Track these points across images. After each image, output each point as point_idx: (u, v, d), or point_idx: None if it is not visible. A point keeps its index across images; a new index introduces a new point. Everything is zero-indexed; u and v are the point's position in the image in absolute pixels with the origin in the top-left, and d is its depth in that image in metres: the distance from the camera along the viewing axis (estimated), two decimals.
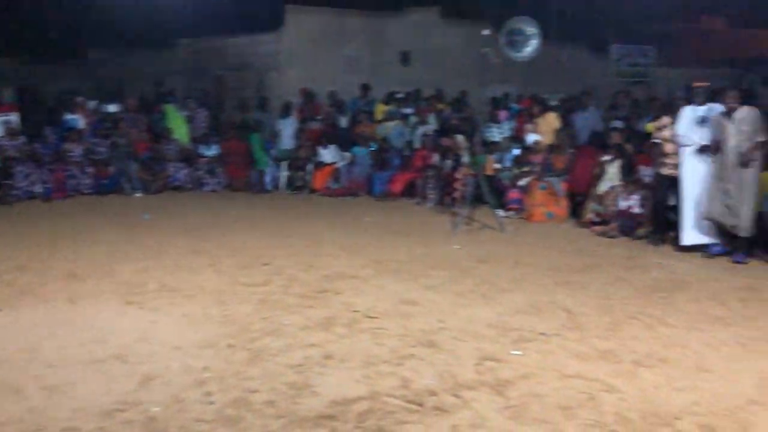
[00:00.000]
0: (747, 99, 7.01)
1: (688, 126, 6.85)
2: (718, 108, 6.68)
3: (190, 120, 11.96)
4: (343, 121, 12.09)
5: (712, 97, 6.93)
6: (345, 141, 11.50)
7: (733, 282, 5.93)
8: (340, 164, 11.21)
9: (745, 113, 6.46)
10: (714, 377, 3.85)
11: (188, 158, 11.40)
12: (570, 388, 3.67)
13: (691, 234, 6.88)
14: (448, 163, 9.78)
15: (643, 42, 18.64)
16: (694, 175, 6.83)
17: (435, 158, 10.27)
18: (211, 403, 3.52)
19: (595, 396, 3.58)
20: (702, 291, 5.64)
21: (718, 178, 6.56)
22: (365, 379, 3.79)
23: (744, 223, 6.44)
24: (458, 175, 9.29)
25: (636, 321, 4.84)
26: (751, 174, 6.44)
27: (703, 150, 6.69)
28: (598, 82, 15.91)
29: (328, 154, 11.39)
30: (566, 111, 10.69)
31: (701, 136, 6.72)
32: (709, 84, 7.00)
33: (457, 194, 9.17)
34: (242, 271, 6.12)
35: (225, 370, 3.91)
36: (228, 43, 14.99)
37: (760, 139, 6.36)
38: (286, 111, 12.00)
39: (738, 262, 6.51)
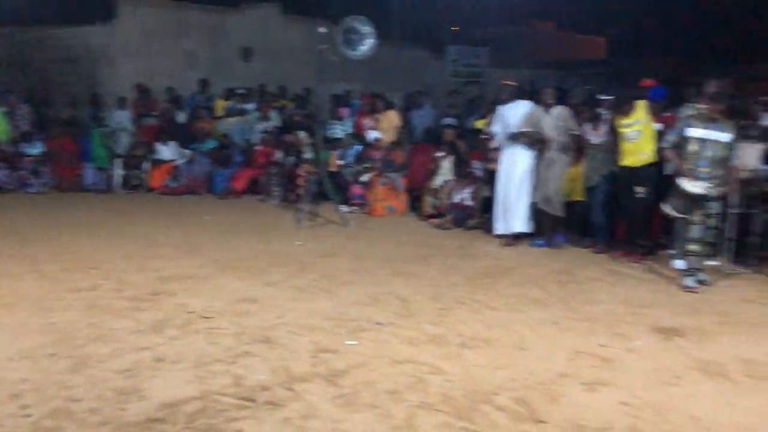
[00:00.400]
0: (561, 98, 7.65)
1: (500, 123, 7.33)
2: (525, 105, 7.18)
3: (10, 116, 11.02)
4: (182, 117, 11.70)
5: (529, 95, 7.52)
6: (184, 138, 11.13)
7: (552, 267, 6.45)
8: (179, 162, 10.83)
9: (560, 110, 7.06)
10: (530, 355, 4.17)
11: (8, 158, 10.50)
12: (400, 373, 3.82)
13: (500, 225, 7.35)
14: (291, 159, 9.77)
15: (478, 44, 19.69)
16: (507, 170, 7.29)
17: (278, 155, 10.23)
18: (28, 415, 3.29)
19: (423, 379, 3.75)
20: (524, 276, 6.08)
21: (540, 169, 7.11)
22: (197, 380, 3.71)
23: (558, 207, 7.10)
24: (300, 172, 9.31)
25: (464, 306, 5.13)
26: (560, 165, 7.06)
27: (513, 138, 7.15)
28: (436, 82, 16.64)
29: (166, 151, 10.98)
30: (404, 109, 11.07)
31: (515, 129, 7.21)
32: (516, 83, 7.55)
33: (300, 191, 9.19)
34: (68, 276, 5.74)
35: (44, 381, 3.67)
36: (53, 33, 13.94)
37: (573, 132, 6.97)
38: (120, 107, 11.41)
39: (556, 245, 7.10)
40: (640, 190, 6.46)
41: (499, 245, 7.28)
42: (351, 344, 4.27)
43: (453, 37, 22.65)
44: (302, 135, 9.66)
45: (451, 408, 3.40)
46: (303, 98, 12.09)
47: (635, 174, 6.53)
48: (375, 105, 10.08)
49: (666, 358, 4.14)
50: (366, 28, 7.67)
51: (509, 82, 7.55)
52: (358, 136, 10.22)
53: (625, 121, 6.55)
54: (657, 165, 6.52)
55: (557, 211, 7.15)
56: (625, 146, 6.57)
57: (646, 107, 6.54)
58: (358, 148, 9.92)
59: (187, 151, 10.93)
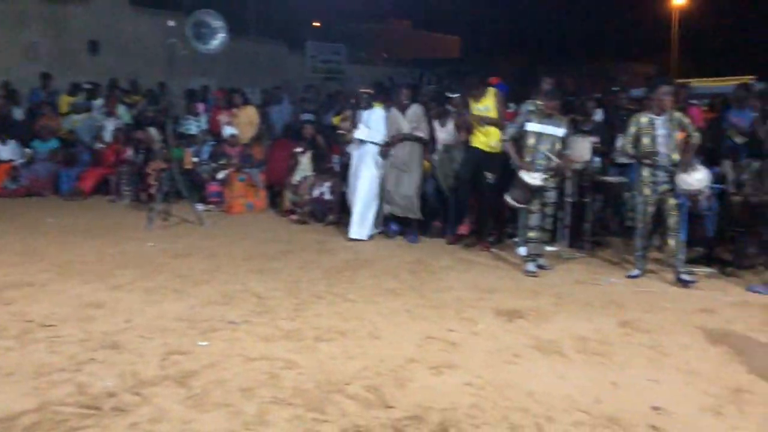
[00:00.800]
0: (415, 96, 7.88)
1: (360, 126, 7.45)
2: (379, 112, 7.34)
3: None
4: (18, 114, 10.88)
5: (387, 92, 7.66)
6: (24, 136, 10.37)
7: (407, 258, 6.66)
8: (18, 162, 10.08)
9: (413, 109, 7.22)
10: (383, 343, 4.30)
11: None
12: (253, 370, 3.81)
13: (355, 229, 7.35)
14: (142, 157, 9.39)
15: (336, 40, 19.86)
16: (358, 172, 7.41)
17: (129, 153, 9.79)
18: None
19: (277, 374, 3.76)
20: (380, 267, 6.24)
21: (395, 170, 7.24)
22: (35, 391, 3.49)
23: (416, 209, 7.25)
24: (150, 170, 8.97)
25: (321, 300, 5.19)
26: (416, 161, 7.24)
27: (383, 148, 7.28)
28: (295, 77, 16.61)
29: (4, 150, 10.18)
30: (262, 105, 10.97)
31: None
32: (372, 90, 7.68)
33: (152, 190, 8.85)
34: None
35: None
36: None
37: (421, 134, 7.15)
38: None
39: (412, 242, 7.31)
40: (489, 176, 6.77)
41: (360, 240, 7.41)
42: (203, 345, 4.19)
43: (312, 34, 22.69)
44: (153, 132, 9.30)
45: (303, 401, 3.44)
46: (155, 93, 11.64)
47: (485, 159, 6.80)
48: (231, 100, 9.89)
49: (507, 338, 4.42)
50: (217, 22, 7.52)
51: (366, 90, 7.66)
52: (213, 132, 10.00)
53: (476, 105, 6.81)
54: (504, 155, 6.87)
55: (417, 214, 7.30)
56: (478, 132, 6.82)
57: (495, 95, 6.80)
58: (213, 144, 9.70)
59: (27, 150, 10.20)
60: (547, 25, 31.24)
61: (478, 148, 6.80)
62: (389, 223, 7.48)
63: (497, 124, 6.63)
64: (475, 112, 6.77)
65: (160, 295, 5.24)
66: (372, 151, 7.33)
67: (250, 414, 3.29)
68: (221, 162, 9.34)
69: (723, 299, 5.38)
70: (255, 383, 3.63)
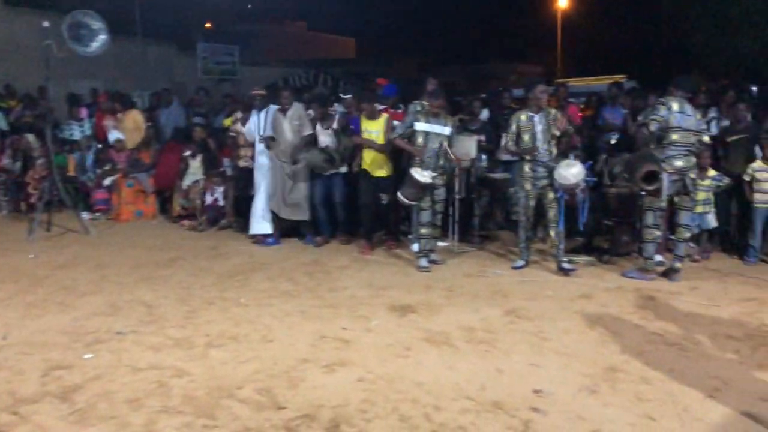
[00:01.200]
0: (298, 96, 7.86)
1: (254, 126, 7.36)
2: (273, 109, 7.30)
3: None
4: None
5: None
6: None
7: (303, 259, 6.67)
8: None
9: (294, 110, 7.16)
10: (276, 345, 4.30)
11: None
12: (141, 381, 3.72)
13: (256, 225, 7.32)
14: (19, 165, 8.90)
15: (229, 41, 19.50)
16: (261, 170, 7.36)
17: (5, 161, 9.24)
18: None
19: (166, 383, 3.69)
20: (275, 270, 6.22)
21: (278, 173, 7.17)
22: None
23: (304, 212, 7.22)
24: (29, 179, 8.52)
25: (213, 306, 5.12)
26: (304, 170, 7.16)
27: (264, 142, 7.22)
28: (186, 79, 16.21)
29: None
30: (151, 107, 10.63)
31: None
32: (265, 92, 7.59)
33: (32, 199, 8.40)
34: None
35: None
36: None
37: (306, 132, 7.11)
38: None
39: (307, 243, 7.32)
40: (383, 197, 6.83)
41: (251, 243, 7.34)
42: (88, 357, 4.05)
43: (204, 35, 22.20)
44: (32, 138, 8.82)
45: (193, 408, 3.39)
46: (33, 98, 11.01)
47: (378, 183, 6.81)
48: (115, 104, 9.52)
49: (399, 333, 4.52)
50: (97, 23, 7.22)
51: (258, 92, 7.56)
52: (97, 137, 9.60)
53: (368, 127, 6.86)
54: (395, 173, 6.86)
55: (307, 216, 7.26)
56: (366, 153, 6.83)
57: (386, 121, 6.78)
58: (98, 149, 9.32)
59: None
60: (439, 27, 32.09)
61: (371, 174, 6.80)
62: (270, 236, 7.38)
63: (382, 151, 6.70)
64: (365, 135, 6.81)
65: (42, 309, 5.01)
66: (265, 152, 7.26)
67: (138, 425, 3.22)
68: (107, 168, 8.99)
69: (600, 285, 5.72)
70: (143, 393, 3.55)
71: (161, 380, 3.73)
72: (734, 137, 6.84)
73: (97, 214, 8.70)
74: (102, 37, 7.24)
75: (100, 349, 4.19)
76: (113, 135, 9.21)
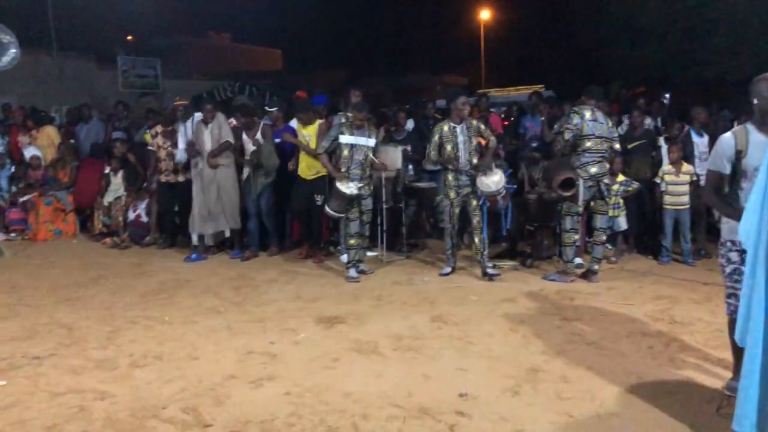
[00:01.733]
0: (223, 108, 7.81)
1: (181, 137, 7.25)
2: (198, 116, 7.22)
3: None
4: None
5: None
6: None
7: (229, 274, 6.59)
8: None
9: (215, 120, 7.06)
10: (201, 362, 4.23)
11: None
12: (60, 406, 3.59)
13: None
14: None
15: (151, 54, 19.10)
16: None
17: None
18: None
19: (87, 406, 3.58)
20: (201, 286, 6.12)
21: (199, 187, 7.08)
22: None
23: (231, 221, 7.16)
24: None
25: (136, 325, 4.99)
26: (224, 173, 7.12)
27: (188, 152, 7.14)
28: (106, 93, 15.78)
29: None
30: (69, 123, 10.30)
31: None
32: (187, 102, 7.52)
33: None
34: None
35: None
36: None
37: (227, 139, 7.04)
38: None
39: (234, 257, 7.23)
40: (318, 198, 6.85)
41: (179, 260, 7.20)
42: (1, 385, 3.88)
43: (125, 47, 21.64)
44: None
45: (115, 431, 3.31)
46: None
47: (312, 185, 6.89)
48: (27, 120, 9.18)
49: (327, 344, 4.53)
50: (7, 37, 6.97)
51: (181, 102, 7.47)
52: (13, 155, 9.23)
53: (303, 131, 6.94)
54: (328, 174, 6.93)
55: (237, 224, 7.23)
56: (301, 158, 6.91)
57: (319, 127, 6.90)
58: (12, 168, 8.96)
59: None
60: (365, 39, 32.29)
61: (303, 178, 6.89)
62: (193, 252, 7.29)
63: (315, 156, 6.75)
64: (300, 138, 6.91)
65: None
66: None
67: None
68: (21, 186, 8.65)
69: (524, 289, 5.88)
70: (62, 419, 3.44)
71: (82, 404, 3.61)
72: (633, 144, 7.19)
73: (13, 234, 8.35)
74: (13, 51, 6.99)
75: (14, 376, 4.02)
76: (29, 151, 8.87)
